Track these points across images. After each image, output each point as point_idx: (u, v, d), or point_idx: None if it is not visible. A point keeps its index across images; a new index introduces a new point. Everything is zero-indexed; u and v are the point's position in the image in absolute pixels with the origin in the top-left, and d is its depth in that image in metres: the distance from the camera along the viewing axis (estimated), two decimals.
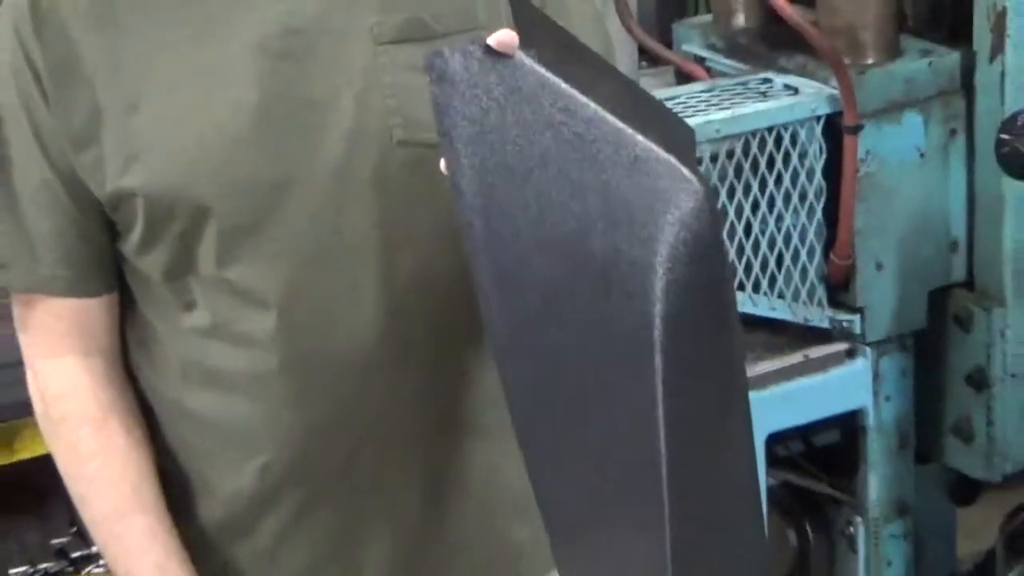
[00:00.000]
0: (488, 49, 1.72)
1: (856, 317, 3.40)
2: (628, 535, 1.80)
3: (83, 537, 3.37)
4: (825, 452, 3.55)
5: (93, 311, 2.12)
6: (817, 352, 3.39)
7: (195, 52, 2.00)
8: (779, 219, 3.38)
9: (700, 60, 3.53)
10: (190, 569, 2.10)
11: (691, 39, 3.59)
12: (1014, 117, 3.14)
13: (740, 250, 3.32)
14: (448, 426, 2.13)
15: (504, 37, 1.70)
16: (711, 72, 3.49)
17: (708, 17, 3.55)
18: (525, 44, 1.74)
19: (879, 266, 3.38)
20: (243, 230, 2.01)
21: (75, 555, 3.34)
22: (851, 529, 3.52)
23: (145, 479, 2.11)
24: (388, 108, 1.99)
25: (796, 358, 3.38)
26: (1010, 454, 3.43)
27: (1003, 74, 3.29)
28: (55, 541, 3.34)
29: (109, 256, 2.11)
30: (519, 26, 1.79)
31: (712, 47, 3.54)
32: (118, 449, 2.11)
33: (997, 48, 3.28)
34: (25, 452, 3.15)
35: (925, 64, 3.36)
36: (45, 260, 2.07)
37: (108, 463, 2.11)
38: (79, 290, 2.09)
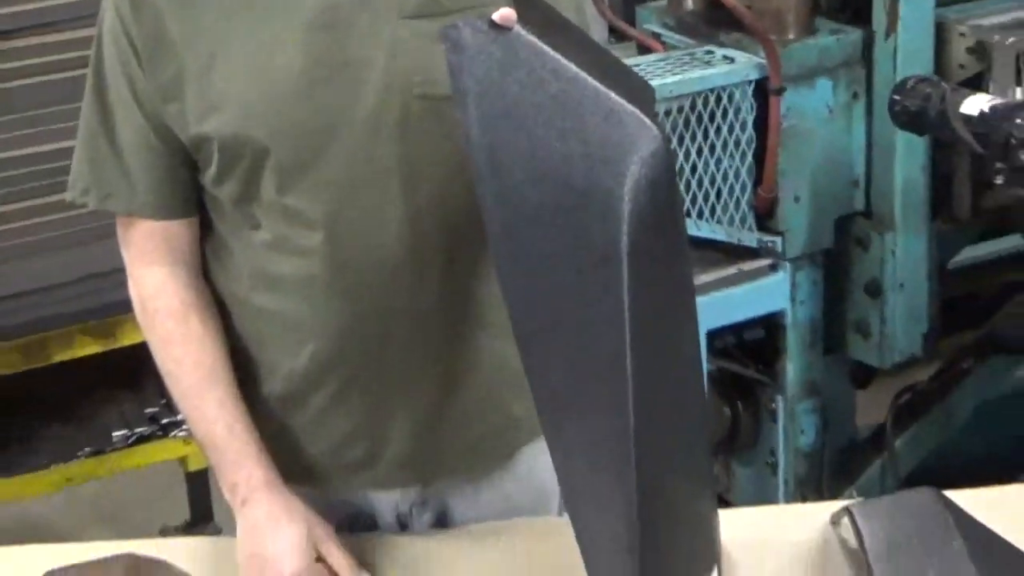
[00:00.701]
0: (492, 24, 1.84)
1: (778, 239, 3.49)
2: (599, 408, 1.90)
3: (170, 407, 3.24)
4: (753, 345, 3.59)
5: (178, 230, 2.21)
6: (747, 266, 3.48)
7: (257, 26, 2.06)
8: (718, 162, 3.46)
9: (657, 36, 3.57)
10: (253, 432, 2.19)
11: (650, 20, 3.64)
12: (904, 82, 3.26)
13: (687, 185, 3.40)
14: (461, 321, 2.20)
15: (506, 14, 1.83)
16: (665, 45, 3.54)
17: (663, 2, 3.58)
18: (522, 20, 1.86)
19: (796, 199, 3.48)
20: (295, 166, 2.09)
21: (164, 421, 3.34)
22: (773, 405, 3.59)
23: (219, 361, 2.22)
24: (410, 69, 2.04)
25: (731, 271, 3.46)
26: (898, 347, 3.54)
27: (895, 49, 3.39)
28: (148, 410, 3.34)
29: (191, 187, 2.19)
30: (517, 5, 1.88)
31: (666, 26, 3.60)
32: (197, 337, 2.22)
33: (891, 28, 3.38)
34: (126, 340, 3.18)
35: (834, 40, 3.47)
36: (140, 190, 2.15)
37: (189, 348, 2.21)
38: (166, 214, 2.18)
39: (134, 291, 2.25)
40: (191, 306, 2.22)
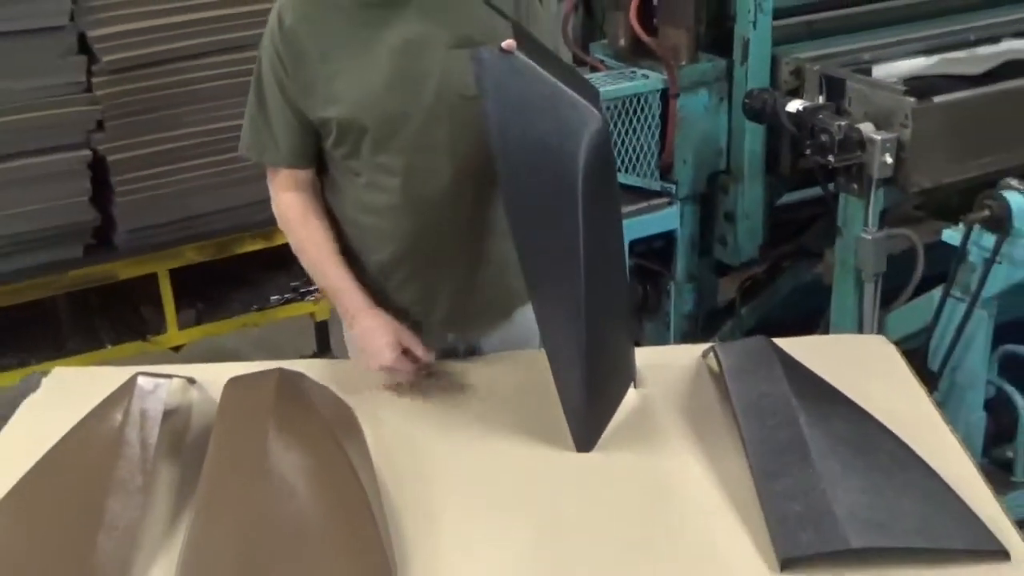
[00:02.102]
0: (502, 50, 1.87)
1: (673, 186, 3.44)
2: (563, 279, 1.90)
3: (305, 282, 3.39)
4: (657, 250, 3.55)
5: (303, 174, 2.22)
6: (654, 202, 3.43)
7: (361, 52, 2.07)
8: (638, 138, 3.39)
9: (602, 61, 3.53)
10: (355, 281, 2.19)
11: (597, 51, 3.59)
12: (750, 92, 3.25)
13: (620, 152, 3.35)
14: (481, 230, 2.19)
15: (510, 44, 1.86)
16: (607, 67, 3.48)
17: (606, 40, 3.56)
18: (520, 48, 1.88)
19: (684, 161, 3.43)
20: (383, 138, 2.10)
21: (301, 290, 3.36)
22: (668, 287, 3.58)
23: (329, 243, 2.21)
24: (454, 78, 2.04)
25: (643, 204, 3.42)
26: (744, 252, 3.52)
27: (746, 71, 3.32)
28: (292, 283, 3.38)
29: (314, 148, 2.19)
30: (517, 39, 1.89)
31: (608, 55, 3.54)
32: (314, 228, 2.21)
33: (744, 59, 3.32)
34: (278, 241, 3.16)
35: (709, 65, 3.40)
36: (283, 150, 2.16)
37: (310, 235, 2.22)
38: (297, 164, 2.19)
39: (277, 209, 2.27)
40: (310, 213, 2.23)
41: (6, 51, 2.78)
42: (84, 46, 2.89)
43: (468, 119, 2.04)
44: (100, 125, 2.95)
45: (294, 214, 2.24)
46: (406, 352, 2.14)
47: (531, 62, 1.93)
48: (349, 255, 2.29)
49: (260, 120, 2.18)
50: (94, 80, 2.92)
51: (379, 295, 2.26)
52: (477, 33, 2.03)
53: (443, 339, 2.33)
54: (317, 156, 2.22)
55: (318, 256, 2.24)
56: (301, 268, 3.12)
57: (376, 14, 2.09)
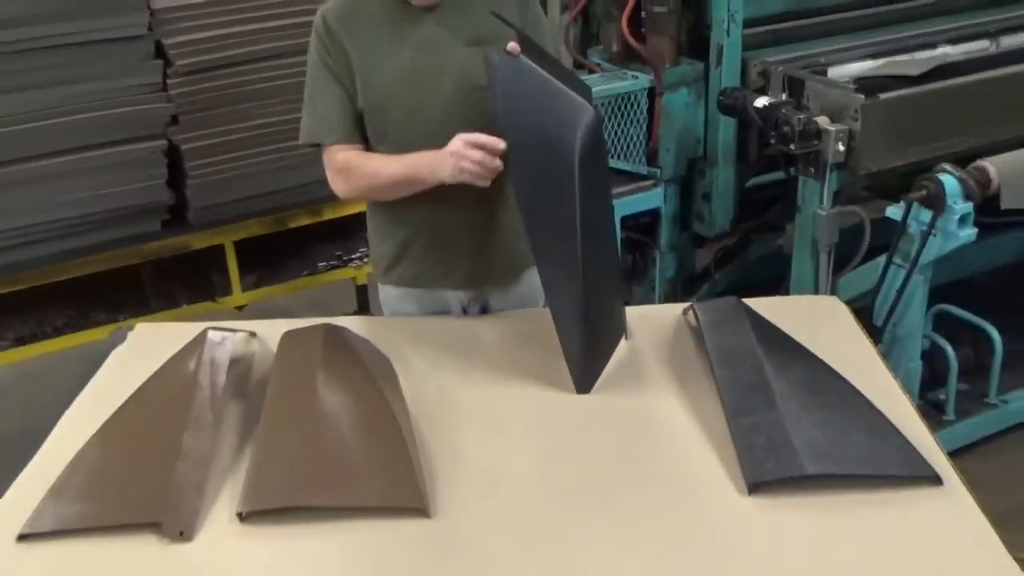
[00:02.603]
0: (508, 52, 1.85)
1: (658, 170, 3.39)
2: (563, 247, 1.88)
3: (347, 252, 3.41)
4: (644, 225, 3.50)
5: (354, 148, 2.11)
6: (641, 184, 3.37)
7: (388, 49, 2.05)
8: (628, 129, 3.36)
9: (598, 64, 3.50)
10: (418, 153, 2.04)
11: (594, 55, 3.54)
12: (724, 90, 3.23)
13: (613, 141, 3.33)
14: (493, 202, 2.14)
15: (514, 46, 1.84)
16: (602, 69, 3.46)
17: (601, 46, 3.51)
18: (524, 51, 1.87)
19: (667, 149, 3.37)
20: (407, 123, 2.07)
21: (344, 258, 3.34)
22: (655, 254, 3.54)
23: (383, 156, 2.09)
24: (468, 72, 2.01)
25: (632, 186, 3.36)
26: (718, 226, 3.48)
27: (720, 73, 3.29)
28: (336, 252, 3.38)
29: (360, 128, 2.12)
30: (521, 41, 1.88)
31: (602, 58, 3.50)
32: (372, 155, 2.11)
33: (718, 62, 3.29)
34: (327, 216, 3.19)
35: (689, 67, 3.35)
36: (336, 130, 2.10)
37: (370, 160, 2.10)
38: (351, 140, 2.11)
39: (335, 179, 2.15)
40: (362, 154, 2.12)
41: (96, 56, 2.79)
42: (160, 52, 2.91)
43: (480, 108, 2.01)
44: (174, 119, 2.96)
45: (349, 157, 2.13)
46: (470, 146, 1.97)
47: (533, 63, 1.91)
48: (379, 227, 2.28)
49: (314, 110, 2.13)
50: (169, 81, 2.93)
51: (407, 258, 2.25)
52: (487, 37, 2.01)
53: (461, 299, 2.31)
54: (363, 134, 2.14)
55: (380, 162, 2.11)
56: (347, 238, 3.11)
57: (401, 18, 2.08)
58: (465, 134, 1.94)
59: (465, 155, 1.92)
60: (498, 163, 1.92)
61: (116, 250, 2.98)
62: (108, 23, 2.77)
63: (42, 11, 2.67)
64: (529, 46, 1.96)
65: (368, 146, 2.15)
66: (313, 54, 2.11)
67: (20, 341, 2.98)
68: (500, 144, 1.90)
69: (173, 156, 2.99)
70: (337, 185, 2.15)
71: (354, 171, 2.12)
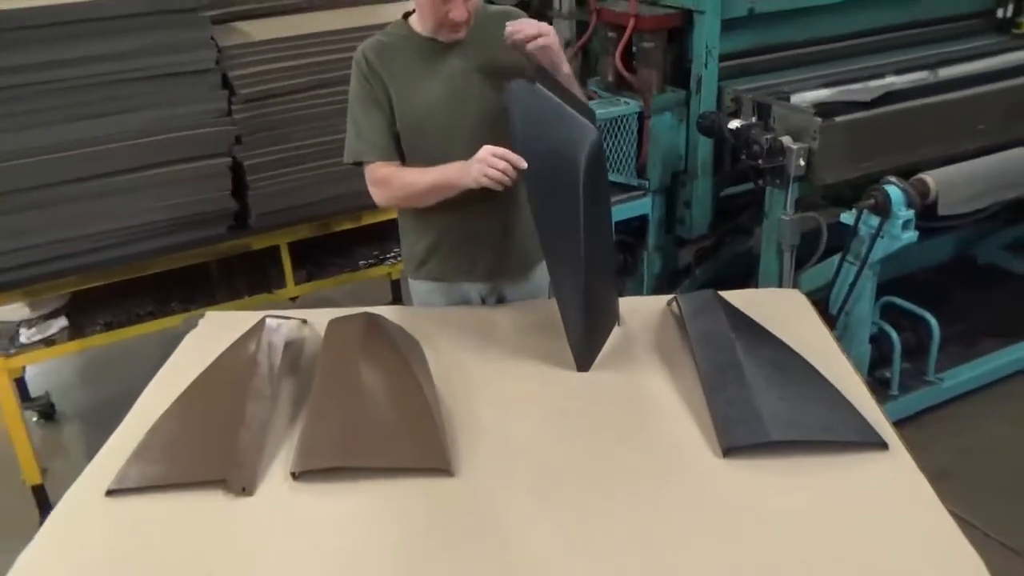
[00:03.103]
0: (524, 81, 1.85)
1: (646, 181, 3.36)
2: (569, 245, 1.87)
3: (382, 251, 3.36)
4: (635, 229, 3.47)
5: (392, 164, 2.07)
6: (633, 194, 3.34)
7: (421, 81, 2.03)
8: (623, 147, 3.33)
9: (595, 92, 3.44)
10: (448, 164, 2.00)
11: (592, 85, 3.50)
12: (702, 114, 3.20)
13: (610, 157, 3.30)
14: (509, 209, 2.13)
15: (530, 76, 1.84)
16: (600, 96, 3.40)
17: (598, 77, 3.49)
18: (539, 81, 1.86)
19: (655, 164, 3.33)
20: (439, 142, 2.04)
21: (380, 257, 3.33)
22: (643, 254, 3.51)
23: (418, 169, 2.05)
24: (490, 98, 2.00)
25: (624, 196, 3.33)
26: (696, 229, 3.45)
27: (699, 99, 3.27)
28: (374, 252, 3.37)
29: (398, 147, 2.08)
30: (536, 72, 1.90)
31: (600, 88, 3.47)
32: (407, 171, 2.06)
33: (698, 90, 3.27)
34: (365, 221, 3.15)
35: (673, 95, 3.31)
36: (377, 150, 2.07)
37: (406, 172, 2.06)
38: (389, 158, 2.07)
39: (376, 190, 2.12)
40: (399, 168, 2.08)
41: (172, 87, 2.79)
42: (226, 83, 2.91)
43: (499, 129, 1.99)
44: (238, 140, 2.96)
45: (388, 172, 2.09)
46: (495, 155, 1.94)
47: (546, 91, 1.90)
48: (410, 231, 2.26)
49: (358, 133, 2.10)
50: (233, 108, 2.93)
51: (435, 257, 2.24)
52: (503, 68, 2.00)
53: (480, 292, 2.30)
54: (400, 152, 2.11)
55: (415, 174, 2.07)
56: (383, 240, 3.05)
57: (431, 53, 2.06)
58: (490, 146, 1.91)
59: (492, 163, 1.88)
60: (514, 173, 1.90)
61: (190, 250, 2.98)
62: (183, 59, 2.77)
63: (129, 48, 2.66)
64: (541, 76, 1.95)
65: (403, 162, 2.12)
66: (355, 84, 2.09)
67: (109, 326, 2.98)
68: (522, 163, 1.86)
69: (237, 171, 2.99)
70: (377, 195, 2.13)
71: (392, 183, 2.09)
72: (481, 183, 1.92)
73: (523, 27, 1.97)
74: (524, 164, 1.86)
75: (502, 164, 1.88)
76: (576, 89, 2.15)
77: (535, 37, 1.97)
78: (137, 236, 2.88)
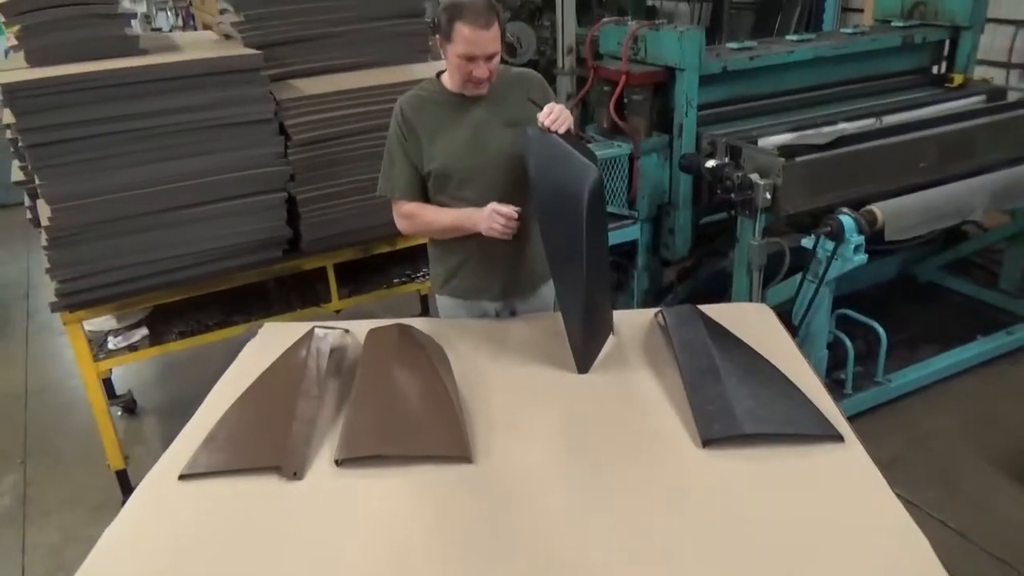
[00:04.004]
0: (538, 128, 1.84)
1: (636, 211, 3.35)
2: (572, 266, 1.85)
3: (413, 271, 3.32)
4: (626, 251, 3.44)
5: (415, 203, 2.07)
6: (625, 222, 3.32)
7: (447, 130, 2.01)
8: (615, 183, 3.31)
9: (592, 137, 3.43)
10: (461, 209, 2.01)
11: (590, 130, 3.49)
12: (683, 155, 3.20)
13: (607, 191, 3.28)
14: (522, 235, 2.03)
15: (543, 125, 1.84)
16: (596, 140, 3.39)
17: (595, 123, 3.48)
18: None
19: (643, 197, 3.31)
20: (463, 181, 2.03)
21: (412, 276, 3.30)
22: (633, 273, 3.48)
23: (437, 208, 2.06)
24: (508, 143, 1.97)
25: (616, 223, 3.28)
26: (679, 252, 3.43)
27: (681, 143, 3.25)
28: (406, 271, 3.36)
29: (423, 187, 2.07)
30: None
31: (596, 132, 3.45)
32: (428, 207, 2.06)
33: (679, 134, 3.25)
34: (400, 245, 3.16)
35: (658, 139, 3.31)
36: (404, 190, 2.06)
37: (427, 211, 2.05)
38: (414, 197, 2.07)
39: (400, 221, 2.12)
40: (422, 205, 2.08)
41: (238, 134, 2.80)
42: (282, 130, 2.91)
43: (516, 171, 1.99)
44: (292, 177, 2.96)
45: (412, 208, 2.09)
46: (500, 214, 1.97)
47: (556, 136, 1.89)
48: (438, 255, 2.24)
49: (389, 172, 2.10)
50: (288, 151, 2.93)
51: (458, 277, 2.22)
52: (522, 118, 1.99)
53: (496, 307, 2.28)
54: (424, 191, 2.10)
55: (435, 213, 2.07)
56: (414, 261, 3.02)
57: (458, 105, 2.06)
58: (496, 204, 1.95)
59: (494, 220, 1.94)
60: (515, 226, 1.93)
61: (251, 270, 2.97)
62: (247, 110, 2.78)
63: (206, 102, 2.68)
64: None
65: (426, 199, 2.12)
66: (393, 129, 2.09)
67: (183, 335, 2.98)
68: (514, 213, 1.91)
69: (291, 204, 2.98)
70: (402, 226, 2.14)
71: (416, 219, 2.10)
72: (489, 235, 1.97)
73: (553, 115, 1.92)
74: (515, 213, 1.91)
75: (502, 221, 1.94)
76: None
77: (558, 119, 1.94)
78: (207, 259, 2.88)
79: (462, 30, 1.90)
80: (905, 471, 2.85)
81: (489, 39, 1.92)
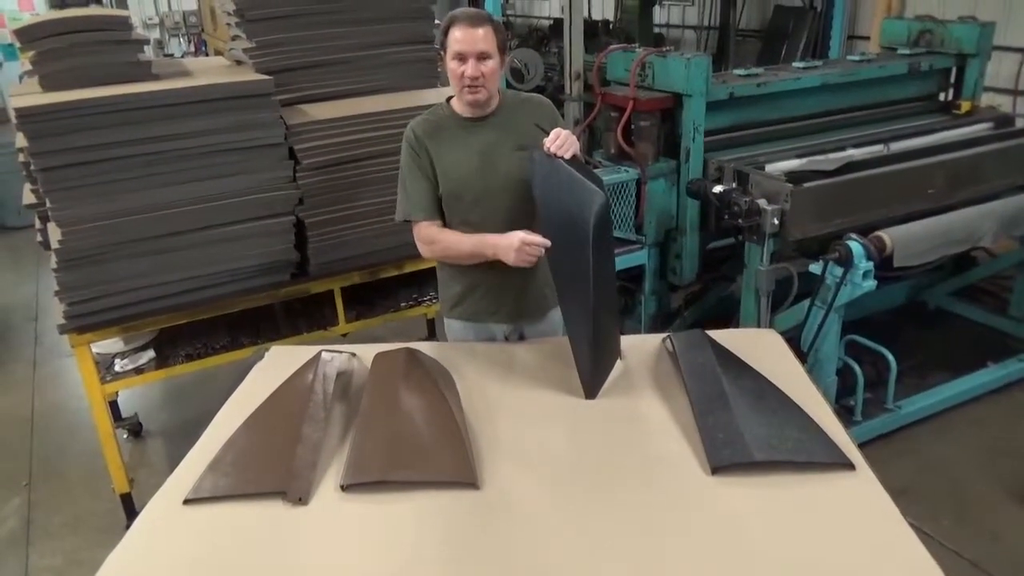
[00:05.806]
0: (545, 153, 1.85)
1: (644, 237, 3.36)
2: (579, 290, 1.84)
3: (420, 295, 3.31)
4: (634, 276, 3.44)
5: (434, 224, 2.08)
6: (631, 247, 3.33)
7: (459, 153, 2.02)
8: (623, 208, 3.33)
9: (599, 162, 3.45)
10: (485, 234, 2.00)
11: (597, 155, 3.50)
12: (691, 180, 3.21)
13: (614, 216, 3.30)
14: None
15: (549, 150, 1.84)
16: (604, 165, 3.40)
17: (602, 149, 3.49)
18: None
19: (651, 222, 3.33)
20: (473, 203, 2.04)
21: (419, 300, 3.29)
22: (640, 298, 3.48)
23: (460, 233, 2.06)
24: (516, 166, 1.99)
25: (623, 248, 3.30)
26: (686, 277, 3.42)
27: (688, 168, 3.26)
28: (413, 295, 3.35)
29: (440, 208, 2.08)
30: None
31: (604, 158, 3.46)
32: (449, 231, 2.06)
33: (686, 159, 3.26)
34: (407, 269, 3.14)
35: (665, 164, 3.32)
36: (424, 211, 2.07)
37: (448, 235, 2.05)
38: (433, 218, 2.07)
39: (421, 244, 2.12)
40: (442, 230, 2.08)
41: (248, 158, 2.81)
42: (292, 155, 2.93)
43: (523, 194, 2.00)
44: (301, 201, 2.97)
45: (433, 233, 2.09)
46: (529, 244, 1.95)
47: (562, 162, 1.90)
48: (447, 278, 2.25)
49: (407, 197, 2.11)
50: (297, 175, 2.94)
51: (467, 301, 2.23)
52: (529, 141, 2.01)
53: (504, 331, 2.28)
54: (441, 212, 2.10)
55: (457, 238, 2.07)
56: (421, 285, 3.00)
57: (468, 127, 2.08)
58: (525, 234, 1.93)
59: (529, 252, 1.92)
60: (542, 252, 1.92)
61: (258, 293, 2.97)
62: (257, 135, 2.80)
63: (218, 126, 2.70)
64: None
65: (445, 221, 2.13)
66: (405, 155, 2.10)
67: (190, 357, 2.98)
68: (545, 242, 1.89)
69: (299, 227, 3.00)
70: (423, 250, 2.14)
71: (437, 243, 2.10)
72: (519, 265, 1.95)
73: (559, 141, 1.92)
74: (548, 243, 1.89)
75: (536, 253, 1.92)
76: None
77: (564, 144, 1.94)
78: (215, 282, 2.88)
79: (453, 33, 1.96)
80: (916, 500, 2.82)
81: (478, 37, 1.94)
